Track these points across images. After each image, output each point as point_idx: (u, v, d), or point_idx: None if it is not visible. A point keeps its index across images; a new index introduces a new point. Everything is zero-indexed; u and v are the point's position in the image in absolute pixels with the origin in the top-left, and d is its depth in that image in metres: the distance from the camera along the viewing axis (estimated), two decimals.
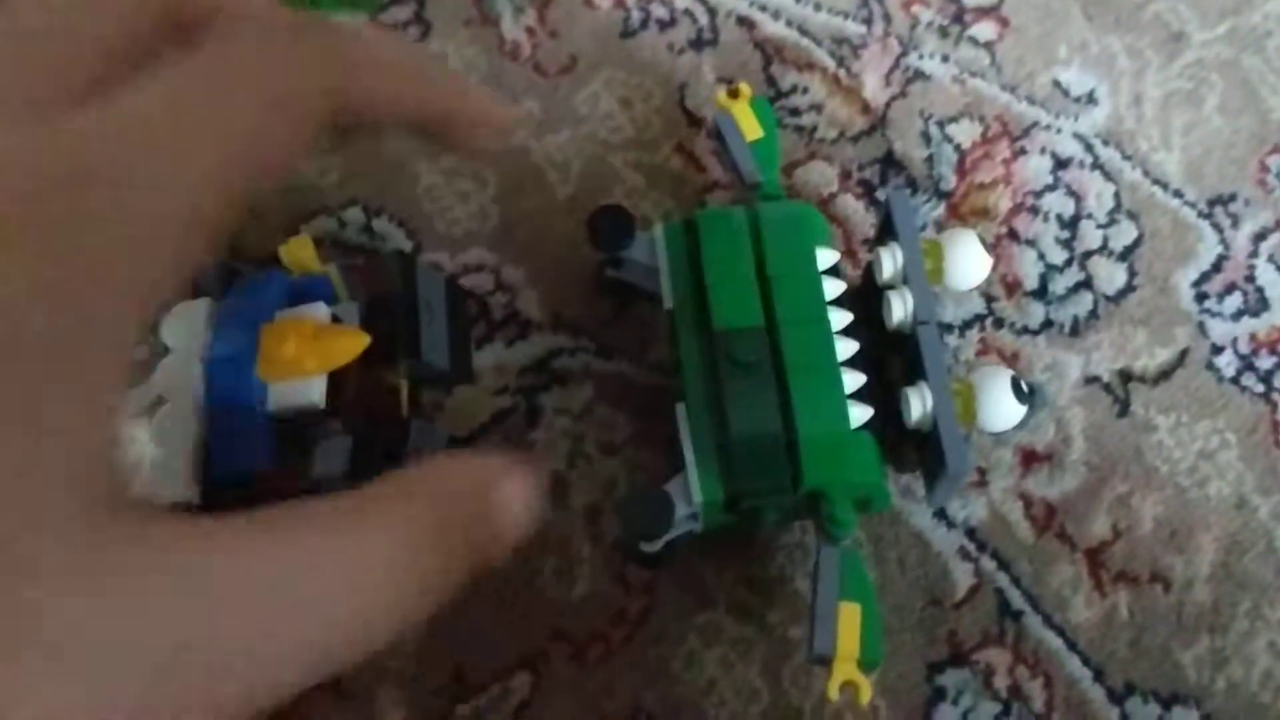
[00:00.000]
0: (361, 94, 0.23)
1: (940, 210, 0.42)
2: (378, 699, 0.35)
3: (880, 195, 0.42)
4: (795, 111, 0.44)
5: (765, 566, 0.36)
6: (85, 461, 0.18)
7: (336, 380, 0.31)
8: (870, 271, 0.38)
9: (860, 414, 0.34)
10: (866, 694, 0.32)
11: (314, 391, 0.31)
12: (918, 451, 0.36)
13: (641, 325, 0.40)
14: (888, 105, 0.44)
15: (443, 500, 0.21)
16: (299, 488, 0.31)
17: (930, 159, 0.43)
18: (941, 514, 0.38)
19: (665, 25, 0.45)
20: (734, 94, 0.40)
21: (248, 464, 0.30)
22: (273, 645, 0.18)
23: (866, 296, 0.38)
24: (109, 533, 0.17)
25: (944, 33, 0.46)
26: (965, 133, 0.44)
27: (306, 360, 0.30)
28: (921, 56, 0.45)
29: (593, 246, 0.37)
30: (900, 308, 0.36)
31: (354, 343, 0.31)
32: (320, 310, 0.32)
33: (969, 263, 0.37)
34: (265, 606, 0.18)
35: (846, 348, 0.35)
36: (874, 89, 0.45)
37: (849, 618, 0.33)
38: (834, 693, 0.31)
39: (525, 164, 0.42)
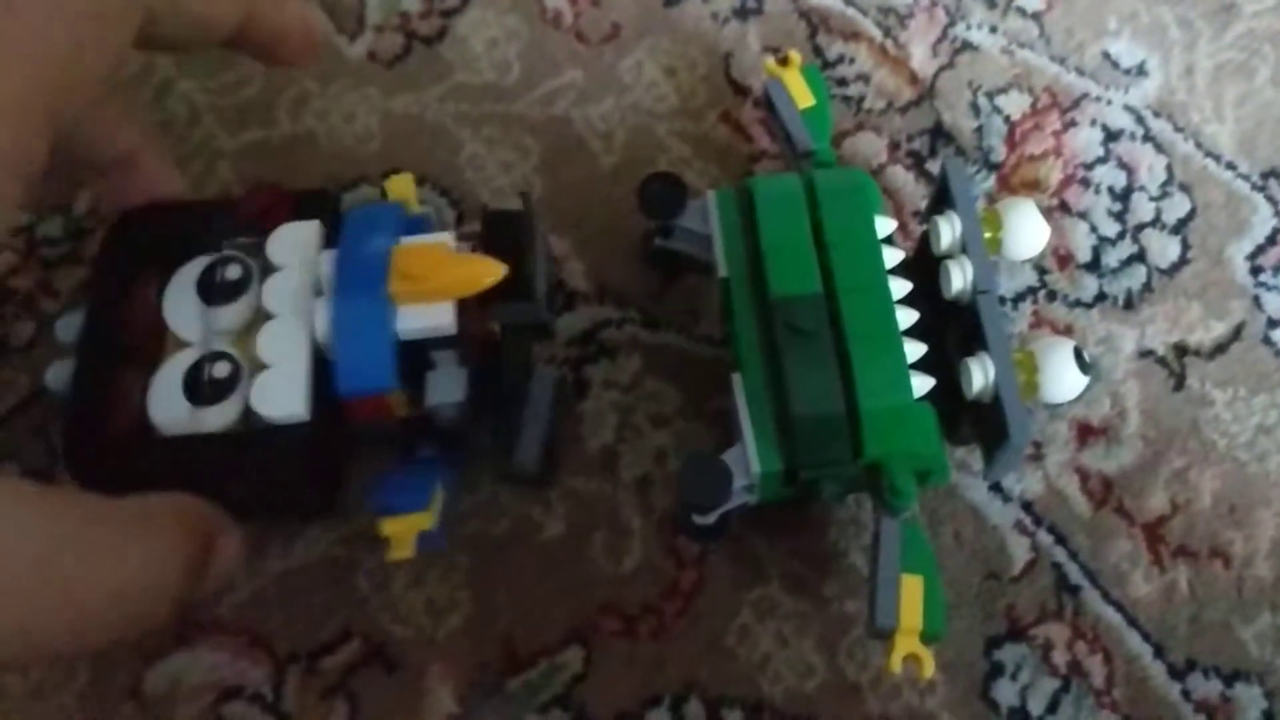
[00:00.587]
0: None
1: (990, 182, 0.42)
2: (427, 674, 0.34)
3: (930, 167, 0.42)
4: (843, 82, 0.43)
5: (819, 540, 0.36)
6: None
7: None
8: (924, 243, 0.37)
9: (921, 384, 0.33)
10: (929, 667, 0.31)
11: (445, 316, 0.30)
12: (975, 423, 0.36)
13: (690, 296, 0.39)
14: (936, 76, 0.44)
15: (190, 532, 0.26)
16: (404, 416, 0.31)
17: (979, 130, 0.43)
18: (997, 488, 0.37)
19: None
20: (783, 61, 0.39)
21: (376, 383, 0.30)
22: (38, 604, 0.22)
23: (921, 267, 0.37)
24: None
25: (991, 3, 0.45)
26: (1014, 104, 0.43)
27: (443, 281, 0.30)
28: (969, 27, 0.45)
29: (643, 214, 0.37)
30: (960, 277, 0.35)
31: (489, 270, 0.30)
32: (448, 238, 0.31)
33: (1028, 232, 0.36)
34: (46, 567, 0.22)
35: (907, 316, 0.34)
36: (921, 59, 0.44)
37: (911, 590, 0.32)
38: (896, 665, 0.31)
39: (569, 133, 0.42)
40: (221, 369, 0.30)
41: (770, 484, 0.33)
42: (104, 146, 0.32)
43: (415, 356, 0.31)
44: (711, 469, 0.32)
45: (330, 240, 0.31)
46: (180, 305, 0.32)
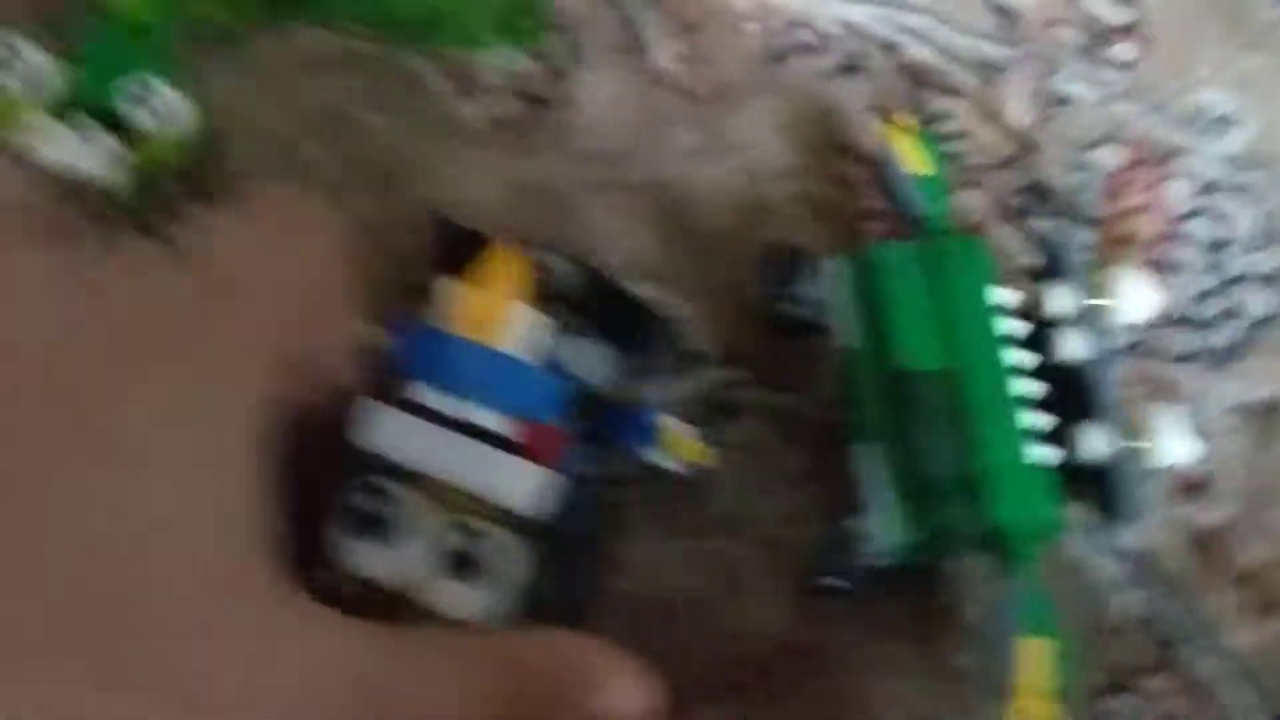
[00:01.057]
0: None
1: (1089, 236, 0.43)
2: None
3: (1031, 222, 0.43)
4: (943, 139, 0.45)
5: (937, 597, 0.38)
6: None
7: None
8: (1034, 305, 0.39)
9: (1045, 454, 0.35)
10: None
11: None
12: (1088, 483, 0.38)
13: (811, 358, 0.41)
14: (1033, 130, 0.45)
15: (533, 680, 0.26)
16: None
17: (1076, 185, 0.44)
18: (1101, 544, 0.39)
19: (813, 51, 0.46)
20: (896, 126, 0.41)
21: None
22: None
23: (1031, 331, 0.39)
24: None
25: (1085, 54, 0.47)
26: (1110, 157, 0.45)
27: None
28: (1064, 80, 0.46)
29: (762, 284, 0.39)
30: (1070, 345, 0.37)
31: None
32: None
33: (1139, 299, 0.38)
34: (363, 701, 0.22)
35: (1025, 386, 0.36)
36: (1019, 114, 0.45)
37: (1030, 649, 0.34)
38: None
39: (685, 196, 0.43)
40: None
41: (900, 548, 0.35)
42: None
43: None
44: (843, 539, 0.35)
45: None
46: None
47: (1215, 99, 0.46)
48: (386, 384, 0.34)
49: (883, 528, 0.34)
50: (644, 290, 0.40)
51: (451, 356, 0.33)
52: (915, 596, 0.38)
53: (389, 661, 0.23)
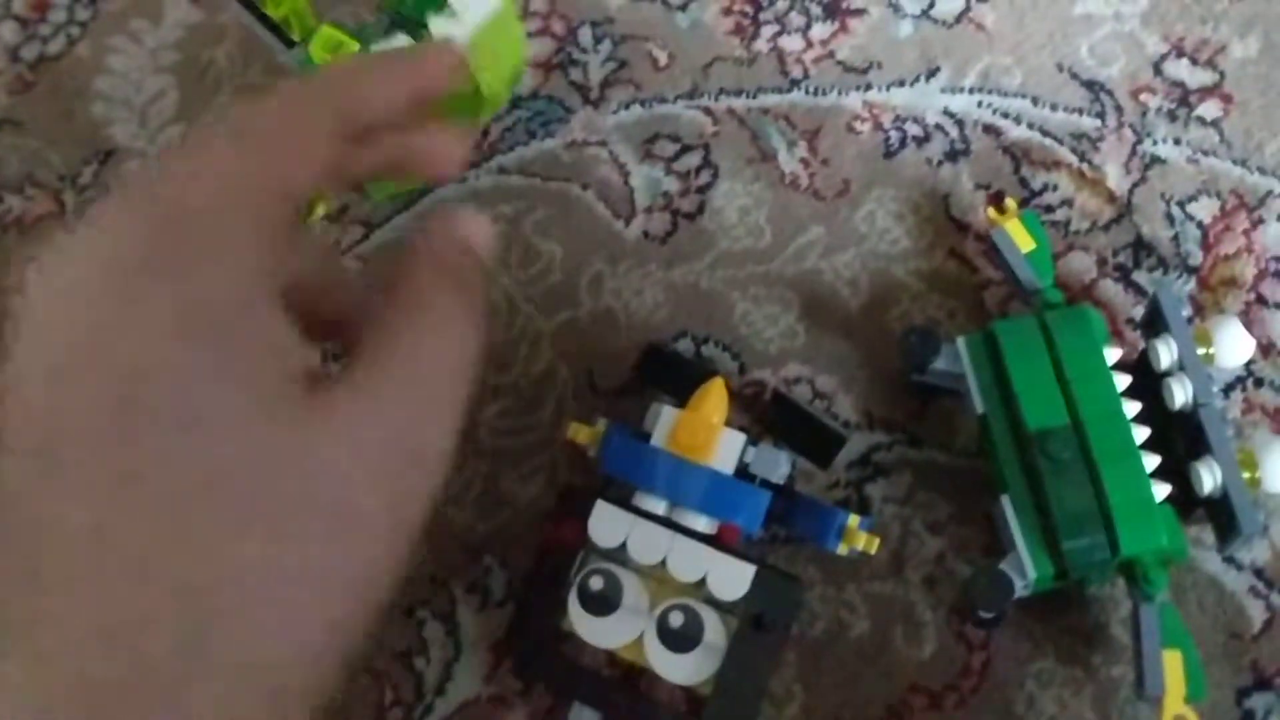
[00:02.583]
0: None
1: (1191, 285, 0.48)
2: None
3: (1137, 278, 0.48)
4: (1049, 208, 0.50)
5: (1084, 617, 0.43)
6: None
7: None
8: (1144, 353, 0.44)
9: (1161, 490, 0.40)
10: None
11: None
12: (1208, 511, 0.42)
13: (946, 417, 0.47)
14: (1131, 191, 0.50)
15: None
16: None
17: (1176, 238, 0.49)
18: (1231, 559, 0.44)
19: (921, 141, 0.52)
20: (1000, 208, 0.47)
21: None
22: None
23: (1142, 375, 0.44)
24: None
25: (1173, 116, 0.52)
26: (1205, 209, 0.50)
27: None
28: (1155, 142, 0.51)
29: (903, 363, 0.45)
30: (1181, 393, 0.42)
31: None
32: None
33: (1235, 345, 0.43)
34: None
35: (1141, 433, 0.41)
36: (1116, 178, 0.51)
37: (1172, 662, 0.39)
38: None
39: (821, 284, 0.50)
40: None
41: (1044, 582, 0.41)
42: None
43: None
44: (995, 578, 0.40)
45: None
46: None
47: None
48: (618, 491, 0.42)
49: (1025, 567, 0.40)
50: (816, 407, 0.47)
51: (674, 473, 0.41)
52: (1068, 619, 0.44)
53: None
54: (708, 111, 0.54)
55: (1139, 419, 0.42)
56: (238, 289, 0.24)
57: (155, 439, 0.23)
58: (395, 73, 0.30)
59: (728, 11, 0.56)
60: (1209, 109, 0.52)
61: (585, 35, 0.56)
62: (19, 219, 0.54)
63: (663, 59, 0.55)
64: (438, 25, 0.46)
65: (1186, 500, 0.42)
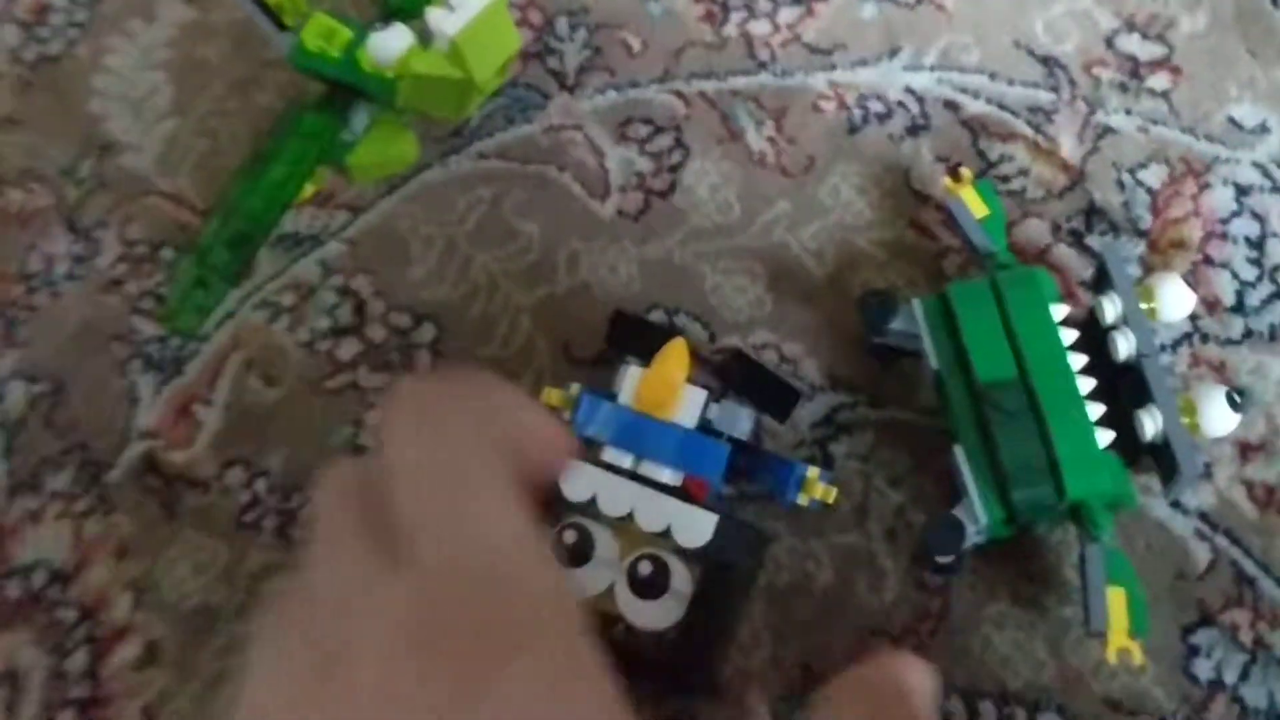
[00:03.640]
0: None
1: (1141, 247, 0.50)
2: (746, 696, 0.45)
3: (1089, 241, 0.51)
4: (1005, 178, 0.52)
5: (1037, 561, 0.45)
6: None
7: None
8: (1093, 310, 0.46)
9: (1105, 437, 0.42)
10: (1139, 657, 0.40)
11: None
12: (1152, 457, 0.45)
13: (905, 377, 0.49)
14: (1084, 161, 0.52)
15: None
16: None
17: (1126, 204, 0.51)
18: (1177, 504, 0.46)
19: (883, 118, 0.55)
20: (957, 178, 0.49)
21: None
22: None
23: (1092, 332, 0.46)
24: None
25: (1124, 88, 0.54)
26: (1154, 176, 0.52)
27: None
28: (1107, 113, 0.53)
29: (862, 325, 0.47)
30: (1125, 345, 0.44)
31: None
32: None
33: (1176, 300, 0.45)
34: None
35: (1086, 384, 0.43)
36: (1070, 148, 0.53)
37: (1117, 599, 0.41)
38: (1113, 657, 0.40)
39: (787, 255, 0.52)
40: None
41: (995, 528, 0.43)
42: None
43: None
44: (948, 523, 0.43)
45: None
46: None
47: (1246, 112, 0.52)
48: (587, 448, 0.44)
49: (976, 512, 0.42)
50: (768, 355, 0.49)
51: (639, 429, 0.43)
52: (1023, 564, 0.46)
53: None
54: (679, 95, 0.56)
55: (1087, 371, 0.44)
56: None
57: None
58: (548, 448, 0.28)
59: None
60: (1159, 81, 0.54)
61: (562, 25, 0.59)
62: (19, 212, 0.57)
63: (636, 46, 0.58)
64: (435, 18, 0.48)
65: (1133, 448, 0.44)
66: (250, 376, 0.51)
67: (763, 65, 0.56)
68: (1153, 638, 0.44)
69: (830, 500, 0.43)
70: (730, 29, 0.58)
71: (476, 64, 0.49)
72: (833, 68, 0.56)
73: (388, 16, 0.51)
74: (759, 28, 0.57)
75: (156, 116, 0.58)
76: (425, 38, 0.49)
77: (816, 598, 0.46)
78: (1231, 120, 0.52)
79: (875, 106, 0.55)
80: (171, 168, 0.57)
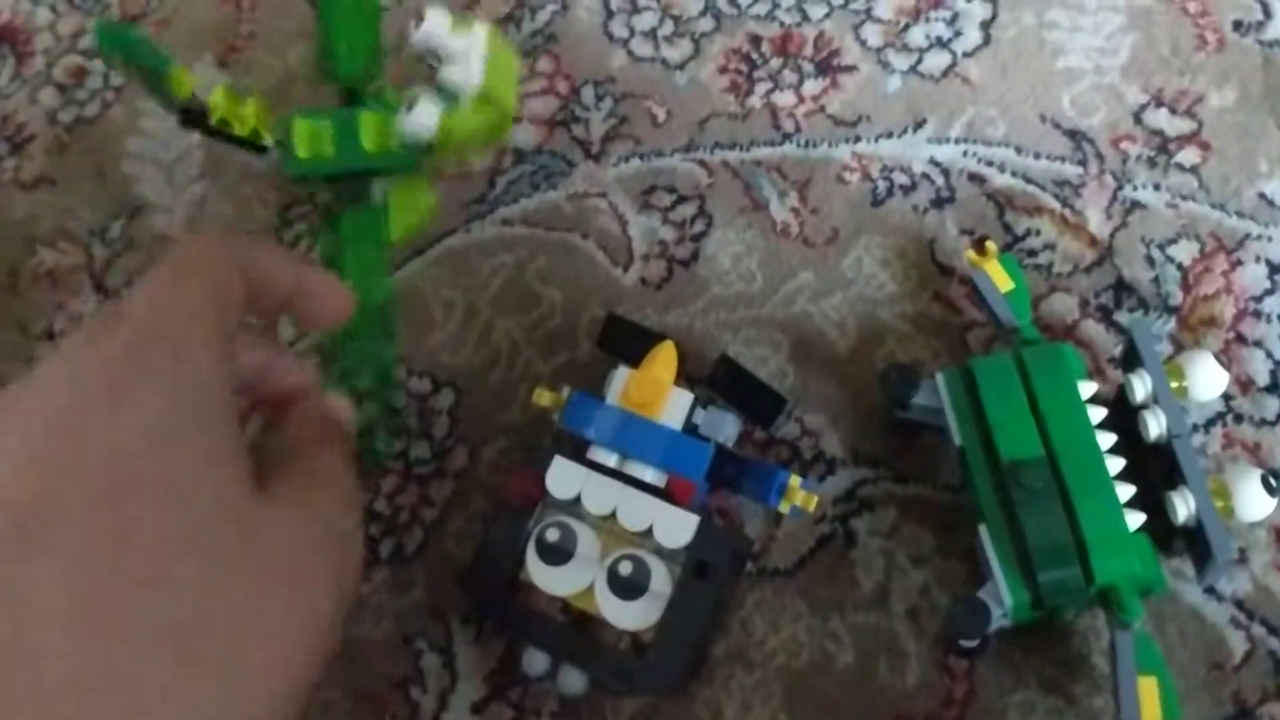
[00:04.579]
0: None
1: (1171, 324, 0.49)
2: None
3: (1118, 318, 0.50)
4: (1032, 252, 0.52)
5: (1065, 647, 0.44)
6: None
7: None
8: (1122, 389, 0.45)
9: (1135, 519, 0.41)
10: None
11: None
12: (1185, 541, 0.43)
13: (930, 453, 0.48)
14: (1112, 236, 0.52)
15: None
16: None
17: (1156, 279, 0.50)
18: (1211, 590, 0.45)
19: (908, 190, 0.54)
20: (981, 251, 0.48)
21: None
22: None
23: (1121, 410, 0.45)
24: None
25: (1152, 163, 0.53)
26: (1184, 252, 0.51)
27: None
28: (1135, 188, 0.53)
29: (884, 398, 0.46)
30: (1155, 425, 0.43)
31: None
32: None
33: (1208, 379, 0.44)
34: None
35: (1115, 464, 0.42)
36: (1098, 223, 0.52)
37: (1148, 690, 0.40)
38: None
39: (810, 326, 0.52)
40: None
41: (1020, 611, 0.42)
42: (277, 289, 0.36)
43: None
44: (973, 606, 0.41)
45: None
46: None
47: (1277, 188, 0.52)
48: (574, 446, 0.45)
49: (1002, 594, 0.41)
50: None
51: (624, 426, 0.44)
52: (1050, 649, 0.44)
53: None
54: (703, 164, 0.56)
55: (1116, 451, 0.43)
56: (204, 394, 0.30)
57: (141, 506, 0.27)
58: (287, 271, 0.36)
59: (723, 70, 0.59)
60: (1187, 156, 0.53)
61: (588, 94, 0.59)
62: (50, 271, 0.57)
63: (661, 115, 0.58)
64: (449, 74, 0.49)
65: (1165, 532, 0.43)
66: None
67: (787, 136, 0.56)
68: None
69: (811, 508, 0.43)
70: (755, 100, 0.58)
71: (505, 97, 0.50)
72: (857, 139, 0.56)
73: (350, 100, 0.53)
74: (783, 99, 0.57)
75: (188, 179, 0.59)
76: (445, 95, 0.49)
77: (836, 680, 0.45)
78: (1262, 196, 0.52)
79: (900, 179, 0.55)
80: (199, 230, 0.57)
